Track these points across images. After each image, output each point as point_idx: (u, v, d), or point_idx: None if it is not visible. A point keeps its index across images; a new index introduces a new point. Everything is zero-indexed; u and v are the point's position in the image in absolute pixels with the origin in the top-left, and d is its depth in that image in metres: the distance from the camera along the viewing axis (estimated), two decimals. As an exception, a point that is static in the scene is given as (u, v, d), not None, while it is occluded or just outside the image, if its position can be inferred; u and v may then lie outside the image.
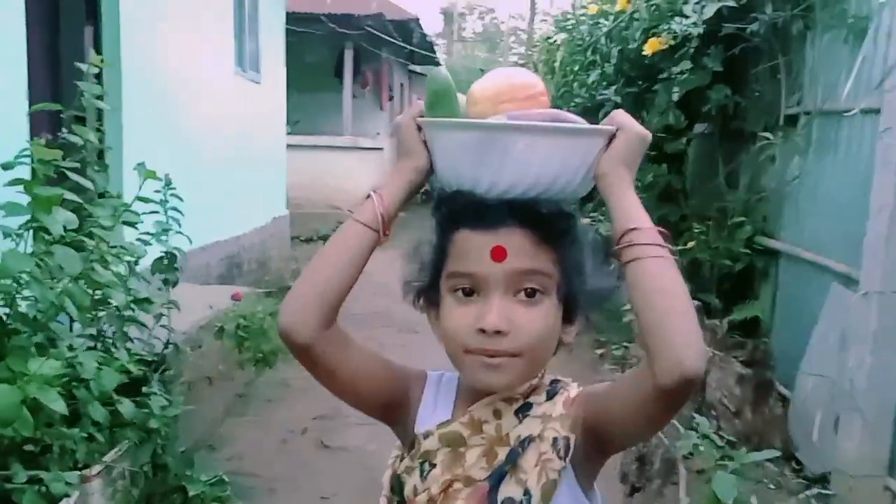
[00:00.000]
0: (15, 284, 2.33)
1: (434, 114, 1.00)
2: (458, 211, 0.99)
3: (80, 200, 2.70)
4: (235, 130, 6.32)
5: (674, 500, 2.97)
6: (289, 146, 8.71)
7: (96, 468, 2.57)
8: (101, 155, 3.16)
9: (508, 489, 0.97)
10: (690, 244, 4.31)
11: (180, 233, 3.27)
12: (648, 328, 0.88)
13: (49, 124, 3.19)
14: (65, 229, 2.48)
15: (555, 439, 0.98)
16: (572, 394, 1.02)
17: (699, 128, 4.67)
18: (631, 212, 0.93)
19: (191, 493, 2.80)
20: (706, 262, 4.33)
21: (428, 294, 1.06)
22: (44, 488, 2.23)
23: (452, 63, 18.72)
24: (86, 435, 2.52)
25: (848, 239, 3.21)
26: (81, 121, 3.11)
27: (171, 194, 3.24)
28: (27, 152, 2.47)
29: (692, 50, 4.11)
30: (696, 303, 3.42)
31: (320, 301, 0.96)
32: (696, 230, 4.43)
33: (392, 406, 1.07)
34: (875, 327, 2.84)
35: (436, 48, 16.72)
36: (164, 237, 3.22)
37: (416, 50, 14.22)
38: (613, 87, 4.58)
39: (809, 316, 3.51)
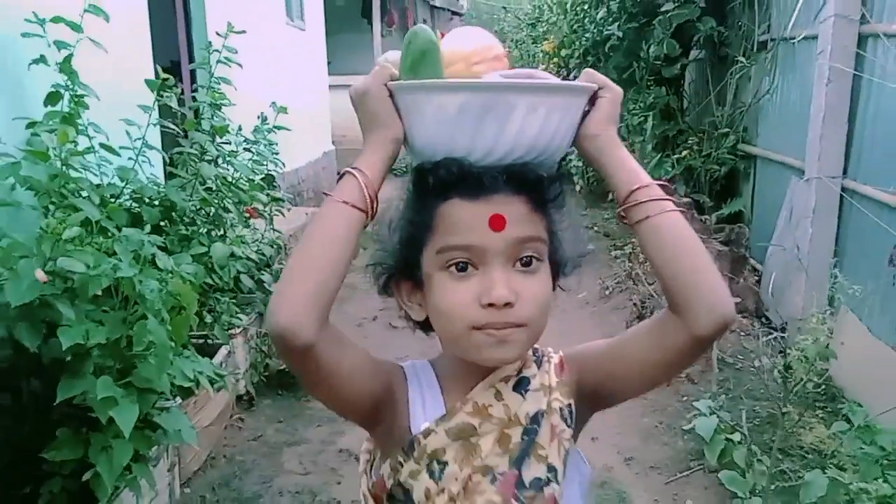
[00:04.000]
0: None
1: (419, 75, 0.90)
2: (449, 180, 0.90)
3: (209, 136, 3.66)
4: (288, 75, 7.19)
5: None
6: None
7: (240, 328, 3.60)
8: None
9: (532, 469, 0.94)
10: (685, 153, 5.19)
11: (276, 161, 4.22)
12: (678, 283, 0.88)
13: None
14: (201, 154, 3.46)
15: (561, 409, 0.97)
16: (555, 360, 1.01)
17: (694, 55, 5.47)
18: (634, 170, 0.92)
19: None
20: (699, 167, 5.22)
21: (402, 275, 0.98)
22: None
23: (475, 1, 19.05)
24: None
25: (802, 140, 4.05)
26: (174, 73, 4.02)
27: (268, 129, 4.19)
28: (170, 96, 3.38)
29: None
30: (688, 200, 4.42)
31: (319, 295, 0.85)
32: (691, 142, 5.30)
33: (381, 405, 0.96)
34: (814, 204, 3.73)
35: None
36: (263, 163, 4.17)
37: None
38: (617, 24, 5.39)
39: (778, 205, 4.39)
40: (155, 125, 3.33)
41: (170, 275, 2.33)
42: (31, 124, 2.55)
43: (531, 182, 0.91)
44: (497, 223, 0.88)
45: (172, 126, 3.24)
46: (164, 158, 3.60)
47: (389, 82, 0.91)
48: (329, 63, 11.91)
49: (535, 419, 0.95)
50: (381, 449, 0.99)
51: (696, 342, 0.89)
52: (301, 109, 7.55)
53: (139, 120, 3.24)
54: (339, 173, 0.91)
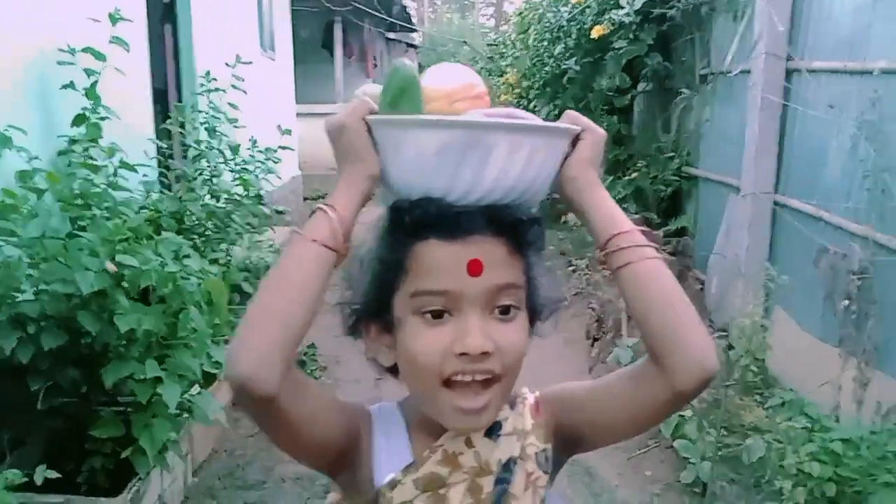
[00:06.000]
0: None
1: (399, 111, 0.87)
2: (426, 220, 0.85)
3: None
4: (263, 103, 7.56)
5: (622, 344, 4.35)
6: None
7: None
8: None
9: None
10: (634, 175, 5.72)
11: (267, 180, 4.60)
12: (658, 334, 0.84)
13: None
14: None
15: (536, 454, 0.92)
16: (530, 401, 0.96)
17: (642, 87, 6.02)
18: (613, 215, 0.88)
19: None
20: (647, 188, 5.74)
21: (370, 317, 0.91)
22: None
23: (430, 32, 19.65)
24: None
25: (739, 162, 4.58)
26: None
27: (259, 151, 4.57)
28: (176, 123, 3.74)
29: (633, 28, 5.46)
30: (638, 216, 4.96)
31: (284, 342, 0.78)
32: (640, 165, 5.84)
33: (345, 453, 0.91)
34: (749, 217, 4.24)
35: (412, 17, 17.72)
36: (255, 184, 4.54)
37: (395, 21, 15.30)
38: (574, 59, 5.93)
39: (718, 220, 4.91)
40: (166, 148, 3.68)
41: (201, 273, 2.68)
42: (73, 142, 2.88)
43: (510, 224, 0.87)
44: (475, 268, 0.83)
45: (188, 144, 3.59)
46: (163, 174, 3.95)
47: (368, 116, 0.86)
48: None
49: (508, 467, 0.91)
50: (347, 501, 0.95)
51: (677, 396, 0.85)
52: (273, 135, 7.90)
53: (146, 142, 3.60)
54: (312, 211, 0.85)
